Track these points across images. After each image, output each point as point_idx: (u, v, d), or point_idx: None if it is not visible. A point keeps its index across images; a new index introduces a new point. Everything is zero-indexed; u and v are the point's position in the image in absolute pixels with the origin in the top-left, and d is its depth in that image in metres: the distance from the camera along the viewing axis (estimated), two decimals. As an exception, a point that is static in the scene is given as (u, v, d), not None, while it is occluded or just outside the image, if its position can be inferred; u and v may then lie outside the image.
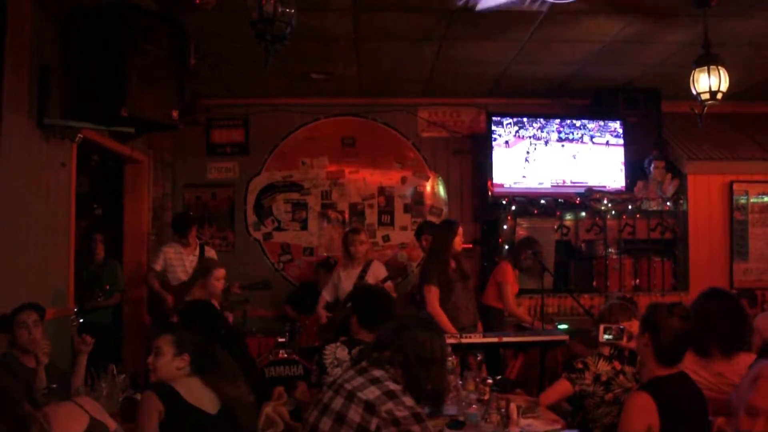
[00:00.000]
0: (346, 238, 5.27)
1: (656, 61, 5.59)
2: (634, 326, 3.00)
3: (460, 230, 4.84)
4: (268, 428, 2.91)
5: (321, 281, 6.19)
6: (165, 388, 2.43)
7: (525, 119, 6.32)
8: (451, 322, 4.56)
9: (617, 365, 3.06)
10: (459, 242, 4.82)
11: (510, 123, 6.28)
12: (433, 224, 5.79)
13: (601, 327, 3.10)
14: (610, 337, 3.07)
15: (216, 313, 4.04)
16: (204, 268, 4.41)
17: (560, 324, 5.45)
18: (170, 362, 2.54)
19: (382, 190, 6.85)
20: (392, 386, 2.10)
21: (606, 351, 3.11)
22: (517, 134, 6.29)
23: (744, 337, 2.93)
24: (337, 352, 3.11)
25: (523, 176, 6.27)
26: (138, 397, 3.12)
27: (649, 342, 2.40)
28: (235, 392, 2.48)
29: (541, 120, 6.34)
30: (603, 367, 3.05)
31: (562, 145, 6.35)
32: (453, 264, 4.75)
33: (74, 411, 1.86)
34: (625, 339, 3.03)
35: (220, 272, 4.34)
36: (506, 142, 6.26)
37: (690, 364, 2.80)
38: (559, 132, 6.35)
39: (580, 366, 3.08)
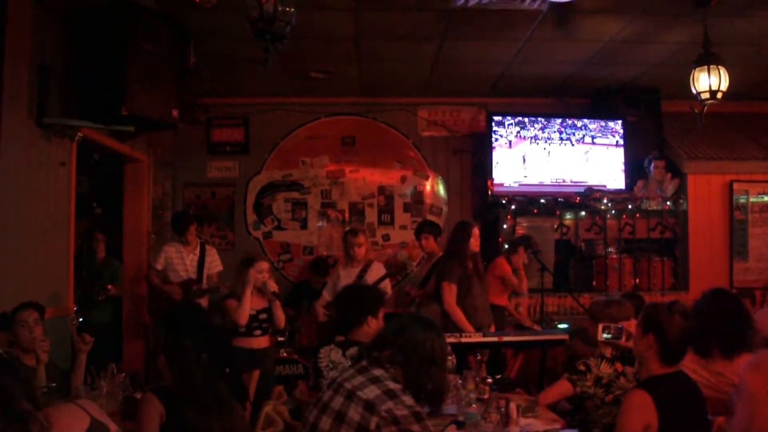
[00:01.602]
0: (346, 240, 5.27)
1: (656, 60, 5.59)
2: (632, 326, 2.99)
3: (476, 231, 4.85)
4: (268, 427, 2.91)
5: (313, 281, 6.18)
6: (166, 390, 2.42)
7: (525, 119, 6.32)
8: (469, 321, 4.60)
9: (619, 367, 3.04)
10: (475, 243, 4.82)
11: (510, 122, 6.28)
12: (433, 224, 5.79)
13: (600, 326, 3.09)
14: (609, 336, 3.06)
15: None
16: (247, 259, 4.42)
17: (560, 323, 5.46)
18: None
19: (382, 189, 6.85)
20: (392, 385, 2.10)
21: (608, 353, 3.09)
22: (517, 134, 6.29)
23: (746, 338, 2.93)
24: (331, 355, 3.10)
25: (524, 176, 6.27)
26: (138, 396, 3.12)
27: (654, 342, 2.39)
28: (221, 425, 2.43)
29: (541, 119, 6.34)
30: (605, 369, 3.04)
31: (562, 145, 6.35)
32: (470, 264, 4.76)
33: (76, 412, 1.86)
34: (624, 338, 3.02)
35: (262, 265, 4.37)
36: (506, 142, 6.27)
37: (689, 364, 2.80)
38: (560, 132, 6.36)
39: (582, 368, 3.07)
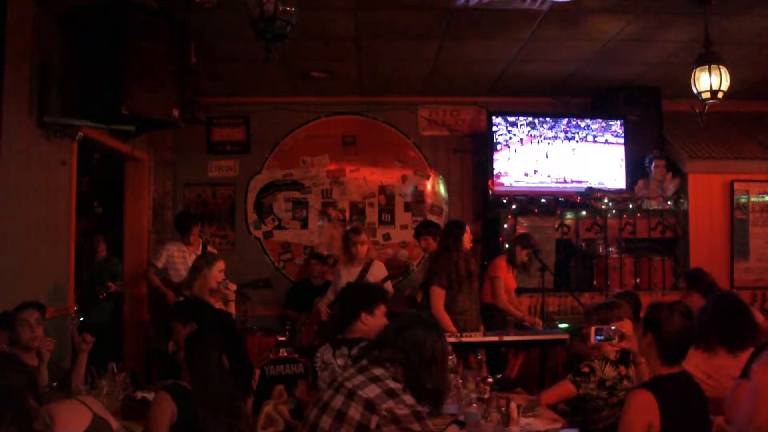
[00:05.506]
0: (347, 238, 5.26)
1: (657, 59, 5.59)
2: (626, 326, 3.00)
3: (468, 229, 4.82)
4: (269, 427, 2.92)
5: (313, 272, 6.18)
6: (178, 388, 2.43)
7: (526, 118, 6.31)
8: (455, 325, 4.52)
9: (623, 370, 3.03)
10: (468, 241, 4.79)
11: (511, 122, 6.28)
12: (432, 224, 5.77)
13: (593, 329, 3.07)
14: (602, 338, 3.05)
15: (212, 309, 4.02)
16: (208, 260, 4.36)
17: (560, 323, 5.46)
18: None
19: (382, 189, 6.85)
20: (392, 384, 2.10)
21: (612, 355, 3.08)
22: (518, 133, 6.28)
23: (748, 336, 2.93)
24: (324, 355, 3.07)
25: (524, 174, 6.27)
26: (139, 396, 3.13)
27: (653, 342, 2.39)
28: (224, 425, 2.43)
29: (542, 119, 6.34)
30: (609, 372, 3.03)
31: (563, 144, 6.35)
32: (463, 264, 4.71)
33: (78, 408, 1.86)
34: (617, 339, 3.01)
35: (221, 264, 4.25)
36: (507, 141, 6.26)
37: (692, 358, 2.80)
38: (560, 131, 6.35)
39: (586, 370, 3.06)
